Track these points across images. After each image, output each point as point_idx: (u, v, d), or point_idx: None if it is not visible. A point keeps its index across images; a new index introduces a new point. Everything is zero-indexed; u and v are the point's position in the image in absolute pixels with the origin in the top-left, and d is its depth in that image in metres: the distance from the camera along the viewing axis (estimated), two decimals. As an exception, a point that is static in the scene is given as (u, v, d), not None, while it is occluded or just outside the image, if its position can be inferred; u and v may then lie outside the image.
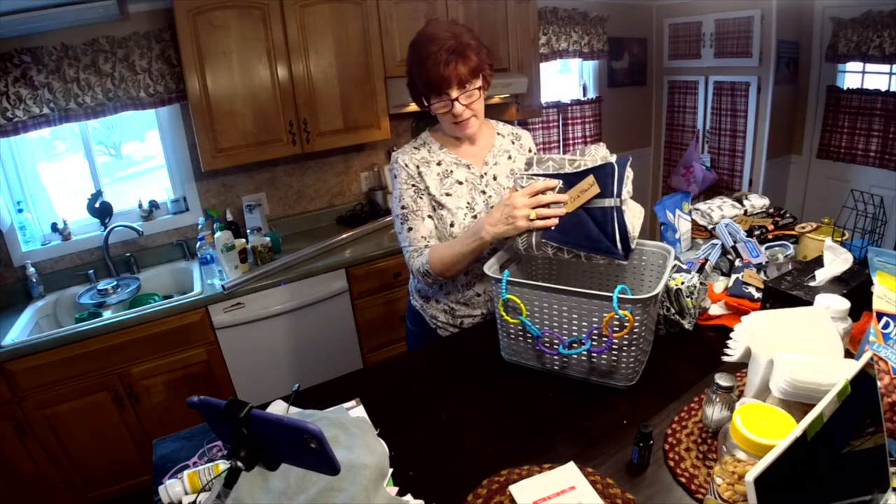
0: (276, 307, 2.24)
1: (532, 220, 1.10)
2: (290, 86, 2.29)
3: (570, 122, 3.60)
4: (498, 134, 1.40)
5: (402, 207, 1.31)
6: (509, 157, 1.39)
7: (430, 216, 1.31)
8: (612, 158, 1.09)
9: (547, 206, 1.10)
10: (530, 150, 1.44)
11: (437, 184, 1.31)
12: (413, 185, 1.30)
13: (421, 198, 1.30)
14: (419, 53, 1.18)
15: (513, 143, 1.41)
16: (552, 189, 1.10)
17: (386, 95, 2.50)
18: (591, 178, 1.06)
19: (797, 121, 3.54)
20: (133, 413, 2.07)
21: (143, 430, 2.10)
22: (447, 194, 1.31)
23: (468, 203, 1.32)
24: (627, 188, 1.07)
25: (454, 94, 1.19)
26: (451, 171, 1.32)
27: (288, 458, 0.65)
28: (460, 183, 1.32)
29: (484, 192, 1.33)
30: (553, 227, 1.10)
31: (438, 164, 1.32)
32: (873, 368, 0.69)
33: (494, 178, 1.35)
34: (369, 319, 2.49)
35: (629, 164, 1.08)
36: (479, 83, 1.22)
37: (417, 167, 1.30)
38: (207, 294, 2.10)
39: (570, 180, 1.10)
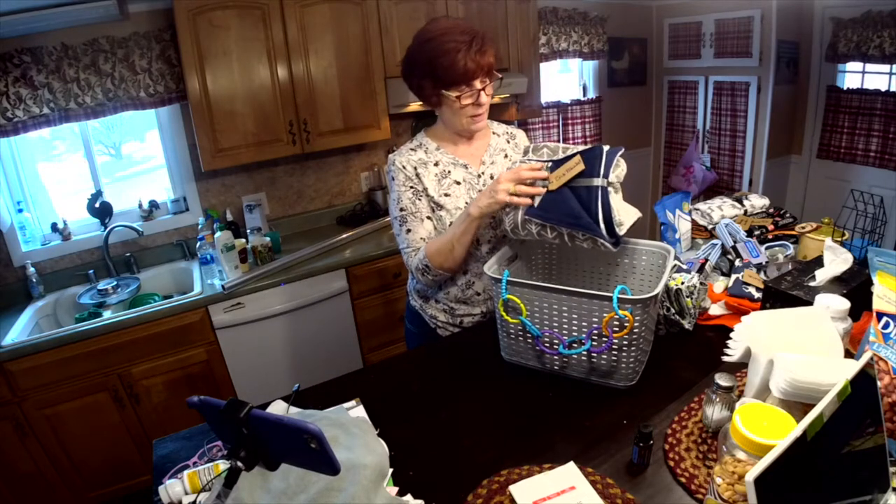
0: (277, 307, 2.24)
1: (512, 193, 1.13)
2: (290, 86, 2.29)
3: (570, 122, 3.60)
4: (493, 133, 1.41)
5: (401, 209, 1.31)
6: (505, 156, 1.39)
7: (428, 217, 1.31)
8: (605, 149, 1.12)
9: (532, 184, 1.13)
10: None
11: (435, 184, 1.31)
12: (411, 187, 1.30)
13: (420, 199, 1.30)
14: (444, 45, 1.17)
15: (508, 141, 1.41)
16: (538, 170, 1.13)
17: (386, 95, 2.50)
18: (577, 158, 1.09)
19: (797, 121, 3.54)
20: (133, 413, 2.07)
21: (143, 430, 2.10)
22: (445, 195, 1.31)
23: (466, 203, 1.32)
24: (616, 173, 1.09)
25: (479, 84, 1.21)
26: (449, 172, 1.32)
27: (288, 458, 0.65)
28: (458, 183, 1.32)
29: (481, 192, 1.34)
30: (536, 205, 1.12)
31: (436, 164, 1.32)
32: (873, 368, 0.69)
33: (492, 178, 1.35)
34: (369, 319, 2.49)
35: (620, 153, 1.10)
36: (499, 76, 1.26)
37: (415, 168, 1.30)
38: (207, 294, 2.10)
39: (560, 165, 1.13)
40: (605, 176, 1.07)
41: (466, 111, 1.24)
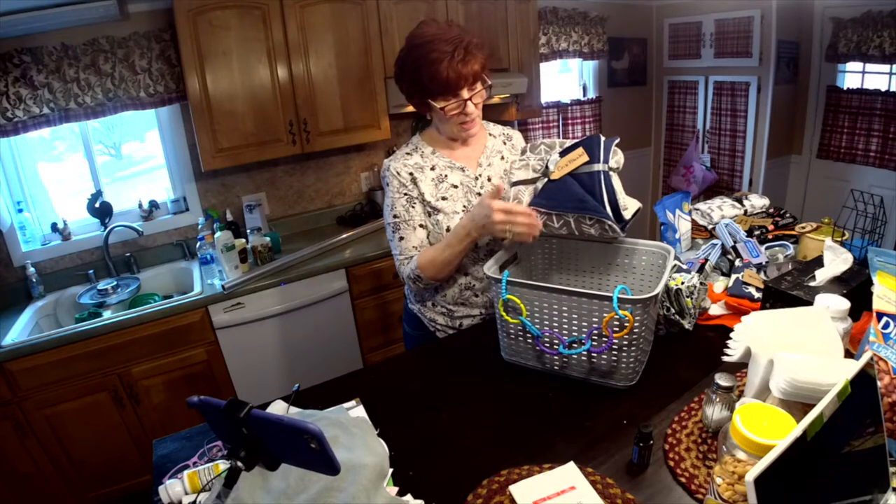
0: (277, 307, 2.24)
1: (507, 236, 1.12)
2: (290, 86, 2.29)
3: (570, 122, 3.60)
4: (490, 135, 1.40)
5: (395, 216, 1.30)
6: (502, 158, 1.38)
7: (422, 225, 1.31)
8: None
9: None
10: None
11: (432, 189, 1.30)
12: (405, 194, 1.29)
13: (413, 207, 1.30)
14: (428, 54, 1.15)
15: (504, 143, 1.41)
16: (530, 215, 1.11)
17: (386, 95, 2.50)
18: (580, 150, 1.10)
19: (797, 121, 3.54)
20: (133, 413, 2.07)
21: (143, 430, 2.10)
22: (443, 198, 1.30)
23: (464, 206, 1.31)
24: (616, 159, 1.11)
25: (466, 94, 1.19)
26: (446, 176, 1.32)
27: (288, 458, 0.65)
28: (455, 187, 1.32)
29: (479, 195, 1.33)
30: (539, 194, 1.13)
31: (432, 168, 1.31)
32: (873, 368, 0.69)
33: (489, 180, 1.35)
34: (369, 319, 2.49)
35: (616, 143, 1.12)
36: (489, 83, 1.23)
37: (411, 174, 1.29)
38: (207, 294, 2.10)
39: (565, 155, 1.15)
40: (605, 161, 1.08)
41: (455, 119, 1.24)
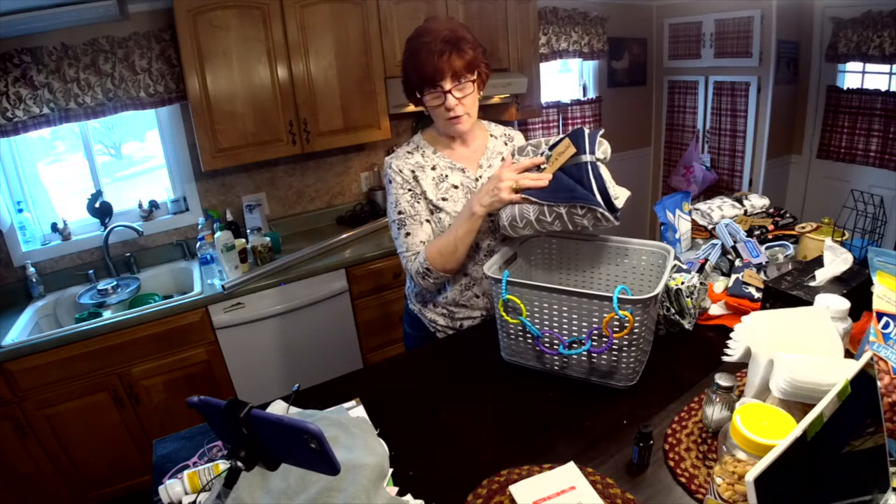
0: (277, 307, 2.24)
1: (515, 189, 1.12)
2: (290, 86, 2.29)
3: (570, 122, 3.60)
4: (491, 136, 1.39)
5: (399, 213, 1.29)
6: (503, 160, 1.38)
7: (427, 220, 1.31)
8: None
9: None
10: None
11: (433, 188, 1.30)
12: (409, 190, 1.29)
13: (418, 202, 1.29)
14: (413, 45, 1.19)
15: (506, 144, 1.40)
16: (538, 165, 1.14)
17: (386, 95, 2.50)
18: (566, 141, 1.10)
19: (797, 121, 3.54)
20: (133, 413, 2.07)
21: (143, 430, 2.10)
22: (443, 199, 1.30)
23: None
24: (602, 150, 1.11)
25: (447, 85, 1.18)
26: (446, 176, 1.31)
27: (288, 458, 0.65)
28: (456, 187, 1.32)
29: None
30: (529, 191, 1.13)
31: (433, 168, 1.31)
32: (873, 368, 0.70)
33: None
34: (369, 319, 2.49)
35: (601, 134, 1.14)
36: (472, 78, 1.21)
37: (413, 172, 1.29)
38: (207, 294, 2.10)
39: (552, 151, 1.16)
40: (592, 152, 1.08)
41: (441, 113, 1.23)
